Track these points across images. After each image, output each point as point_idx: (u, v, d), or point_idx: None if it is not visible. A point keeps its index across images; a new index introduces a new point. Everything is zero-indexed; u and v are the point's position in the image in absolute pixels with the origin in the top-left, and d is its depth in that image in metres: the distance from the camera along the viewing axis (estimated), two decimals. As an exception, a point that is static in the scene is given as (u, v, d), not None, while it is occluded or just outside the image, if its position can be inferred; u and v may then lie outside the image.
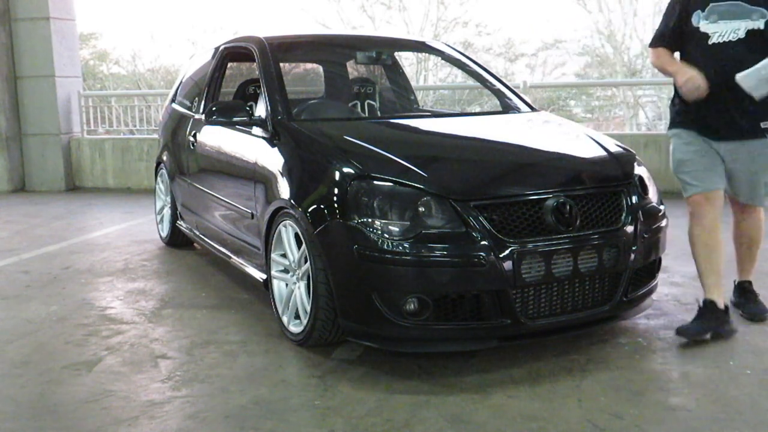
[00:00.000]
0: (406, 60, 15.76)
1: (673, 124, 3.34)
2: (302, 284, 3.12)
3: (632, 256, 2.97)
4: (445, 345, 2.87)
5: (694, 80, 3.07)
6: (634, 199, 3.09)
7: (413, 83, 7.26)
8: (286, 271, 3.26)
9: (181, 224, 4.92)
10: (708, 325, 3.13)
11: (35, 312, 3.77)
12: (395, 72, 5.14)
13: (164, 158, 5.14)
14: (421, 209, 2.76)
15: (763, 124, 3.14)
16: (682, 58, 3.27)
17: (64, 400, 2.69)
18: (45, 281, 4.40)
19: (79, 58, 9.57)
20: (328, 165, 3.03)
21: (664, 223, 3.27)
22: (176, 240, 5.13)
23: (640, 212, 3.07)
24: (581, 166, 3.24)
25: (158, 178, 5.37)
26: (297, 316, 3.15)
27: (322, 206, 2.91)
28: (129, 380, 2.85)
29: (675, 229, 3.65)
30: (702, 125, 3.20)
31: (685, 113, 3.26)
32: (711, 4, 3.11)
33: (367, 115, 4.29)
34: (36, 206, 7.44)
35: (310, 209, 2.96)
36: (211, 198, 4.18)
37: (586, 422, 2.43)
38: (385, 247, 2.71)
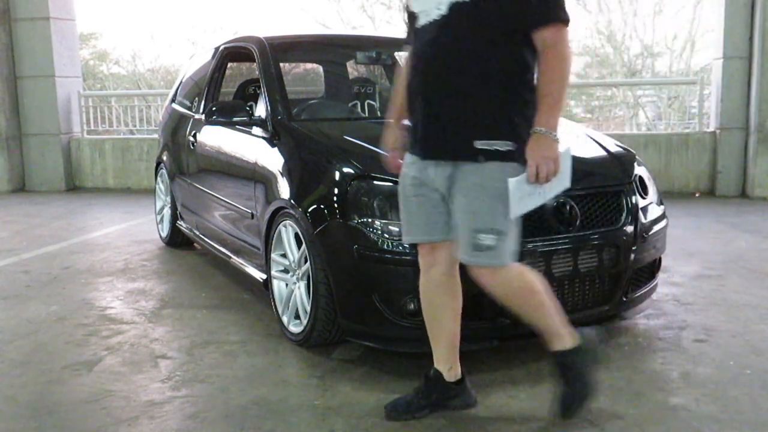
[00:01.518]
0: (406, 60, 15.70)
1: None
2: (302, 284, 3.11)
3: (632, 256, 2.97)
4: (445, 345, 2.86)
5: (386, 164, 2.48)
6: (634, 199, 3.08)
7: (413, 83, 7.25)
8: (286, 271, 3.25)
9: (181, 224, 4.91)
10: (427, 401, 2.47)
11: (35, 312, 3.77)
12: (395, 72, 5.14)
13: (164, 158, 5.14)
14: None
15: (478, 144, 2.15)
16: None
17: (64, 400, 2.68)
18: (45, 281, 4.40)
19: (79, 58, 9.56)
20: (328, 165, 3.03)
21: (664, 223, 3.27)
22: (176, 240, 5.13)
23: (640, 212, 3.07)
24: (581, 166, 3.22)
25: (158, 178, 5.37)
26: (297, 316, 3.15)
27: (322, 206, 2.91)
28: (129, 380, 2.84)
29: (675, 229, 3.65)
30: (411, 140, 2.33)
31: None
32: None
33: (367, 115, 4.28)
34: (36, 206, 7.44)
35: (310, 209, 2.96)
36: (211, 198, 4.18)
37: (586, 422, 2.42)
38: (385, 247, 2.71)
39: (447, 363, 2.47)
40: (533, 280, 2.31)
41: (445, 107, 2.18)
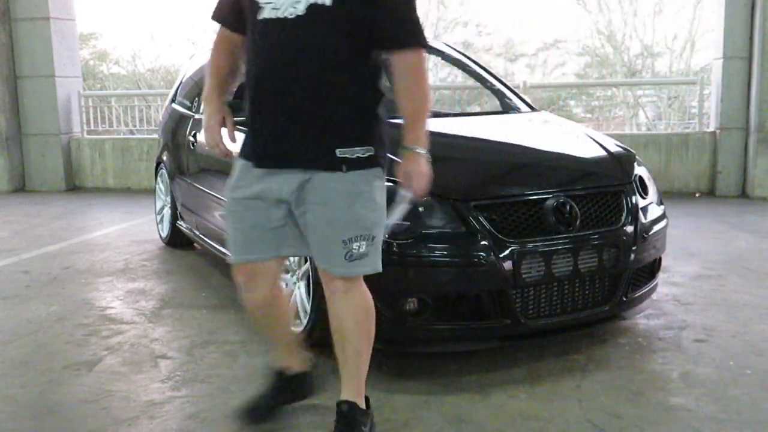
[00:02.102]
0: (406, 60, 15.70)
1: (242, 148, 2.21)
2: (302, 284, 3.12)
3: (632, 256, 2.97)
4: (445, 345, 2.86)
5: (211, 134, 2.19)
6: (634, 199, 3.08)
7: (413, 83, 7.25)
8: (286, 271, 3.25)
9: (181, 224, 4.91)
10: (281, 399, 2.45)
11: (35, 312, 3.77)
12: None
13: (164, 158, 5.14)
14: (421, 209, 2.76)
15: (340, 152, 2.06)
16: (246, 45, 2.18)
17: (64, 400, 2.68)
18: (45, 281, 4.40)
19: (79, 58, 9.56)
20: (328, 165, 3.03)
21: (664, 223, 3.27)
22: (176, 240, 5.13)
23: (640, 212, 3.07)
24: (581, 166, 3.24)
25: (158, 178, 5.37)
26: (297, 316, 3.15)
27: (322, 206, 2.91)
28: (129, 380, 2.84)
29: (675, 229, 3.65)
30: (252, 147, 2.15)
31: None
32: None
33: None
34: (36, 206, 7.44)
35: (310, 209, 2.95)
36: (211, 198, 4.18)
37: (586, 422, 2.43)
38: (385, 247, 2.70)
39: (288, 358, 2.46)
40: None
41: (303, 115, 2.04)
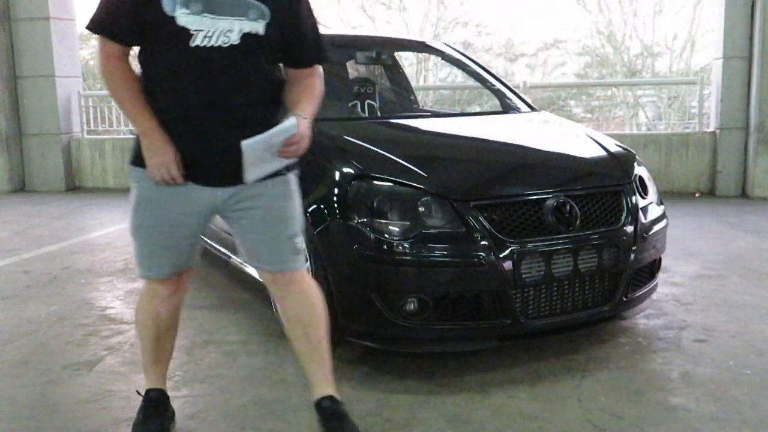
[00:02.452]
0: (406, 60, 15.76)
1: (138, 159, 2.22)
2: (302, 284, 3.11)
3: (632, 256, 2.97)
4: (445, 345, 2.86)
5: (168, 167, 2.10)
6: (634, 199, 3.08)
7: (413, 83, 7.26)
8: (286, 271, 3.25)
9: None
10: (155, 426, 2.36)
11: (35, 312, 3.77)
12: (395, 72, 5.14)
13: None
14: (421, 209, 2.76)
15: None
16: (146, 59, 2.14)
17: (64, 400, 2.68)
18: (45, 281, 4.40)
19: (79, 58, 9.56)
20: (328, 165, 3.03)
21: (664, 223, 3.27)
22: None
23: (640, 212, 3.07)
24: (581, 166, 3.24)
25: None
26: (297, 316, 3.15)
27: (322, 206, 2.91)
28: (129, 380, 2.84)
29: (675, 229, 3.65)
30: (190, 167, 2.14)
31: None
32: None
33: (367, 115, 4.28)
34: (36, 206, 7.44)
35: (310, 209, 2.96)
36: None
37: (586, 422, 2.43)
38: (385, 247, 2.71)
39: (164, 377, 2.47)
40: None
41: (245, 133, 2.05)
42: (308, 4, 2.26)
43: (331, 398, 2.31)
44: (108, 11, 2.07)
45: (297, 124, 2.07)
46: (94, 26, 2.08)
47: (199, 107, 2.08)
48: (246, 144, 2.02)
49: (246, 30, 2.06)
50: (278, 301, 2.39)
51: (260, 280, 3.48)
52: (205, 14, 2.03)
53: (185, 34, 2.02)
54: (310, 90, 2.26)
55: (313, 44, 2.27)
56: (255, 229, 2.22)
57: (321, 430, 2.31)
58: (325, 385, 2.32)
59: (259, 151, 2.04)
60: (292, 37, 2.19)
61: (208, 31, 2.03)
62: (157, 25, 2.03)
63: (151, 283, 2.31)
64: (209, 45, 2.04)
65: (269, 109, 2.19)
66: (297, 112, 2.15)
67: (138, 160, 2.20)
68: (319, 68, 2.33)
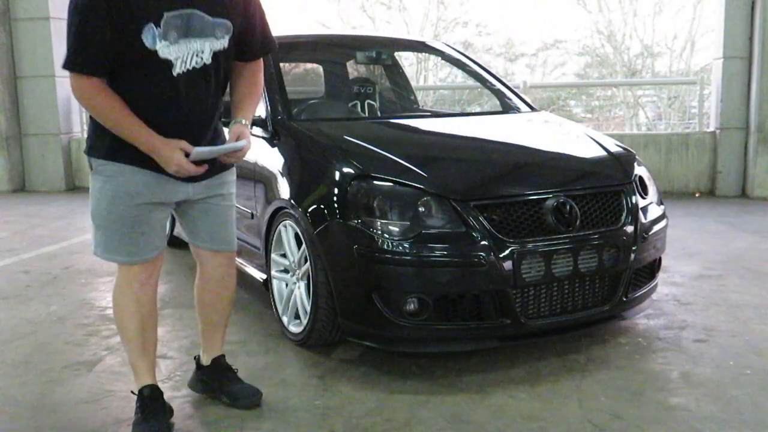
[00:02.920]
0: (406, 60, 15.77)
1: (111, 154, 2.24)
2: (302, 284, 3.12)
3: (632, 256, 2.97)
4: (445, 345, 2.86)
5: (186, 169, 2.21)
6: (634, 199, 3.08)
7: (413, 83, 7.27)
8: (286, 271, 3.26)
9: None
10: (157, 424, 2.37)
11: (35, 312, 3.77)
12: (395, 72, 5.14)
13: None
14: (421, 209, 2.76)
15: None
16: (121, 84, 2.15)
17: (64, 400, 2.68)
18: (45, 281, 4.40)
19: (79, 58, 9.56)
20: (328, 165, 3.03)
21: (664, 223, 3.27)
22: (176, 240, 5.12)
23: (640, 212, 3.07)
24: (581, 166, 3.24)
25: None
26: (297, 316, 3.15)
27: (322, 206, 2.91)
28: (129, 380, 2.84)
29: (675, 229, 3.65)
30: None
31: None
32: (165, 15, 2.09)
33: (367, 115, 4.29)
34: (36, 206, 7.44)
35: (310, 209, 2.96)
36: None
37: (586, 422, 2.43)
38: (385, 247, 2.71)
39: (153, 371, 2.47)
40: None
41: (211, 139, 2.36)
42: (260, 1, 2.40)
43: (224, 357, 2.67)
44: (83, 49, 2.06)
45: (245, 142, 2.29)
46: (72, 65, 2.08)
47: (173, 123, 2.22)
48: (196, 151, 2.20)
49: (216, 48, 2.23)
50: (210, 277, 2.56)
51: (259, 279, 3.50)
52: (180, 40, 2.14)
53: (167, 64, 2.15)
54: (254, 89, 2.44)
55: (262, 37, 2.41)
56: (213, 213, 2.46)
57: (217, 381, 2.62)
58: (220, 347, 2.67)
59: (205, 155, 2.25)
60: (245, 35, 2.34)
61: (185, 56, 2.17)
62: (138, 59, 2.11)
63: (130, 270, 2.35)
64: (186, 69, 2.18)
65: (218, 108, 2.39)
66: (240, 118, 2.36)
67: (113, 155, 2.25)
68: (261, 60, 2.48)
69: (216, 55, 2.24)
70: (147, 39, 2.08)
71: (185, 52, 2.16)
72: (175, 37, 2.12)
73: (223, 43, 2.23)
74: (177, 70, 2.16)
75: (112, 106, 2.14)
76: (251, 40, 2.38)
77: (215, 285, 2.57)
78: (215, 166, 2.37)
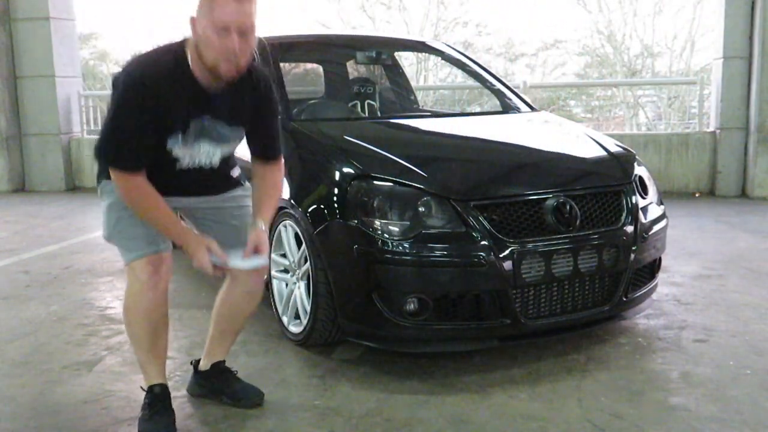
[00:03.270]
0: (406, 60, 15.76)
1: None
2: (302, 284, 3.12)
3: (632, 256, 2.97)
4: (445, 345, 2.86)
5: (203, 267, 2.30)
6: (634, 199, 3.08)
7: (413, 83, 7.27)
8: (286, 271, 3.25)
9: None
10: (163, 421, 2.40)
11: (35, 312, 3.77)
12: (395, 72, 5.14)
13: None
14: (421, 209, 2.76)
15: (234, 173, 2.57)
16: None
17: (64, 400, 2.68)
18: (45, 281, 4.40)
19: (79, 58, 9.57)
20: (328, 165, 3.03)
21: (664, 223, 3.27)
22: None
23: (640, 212, 3.07)
24: (581, 166, 3.24)
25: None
26: (297, 316, 3.15)
27: (322, 206, 2.91)
28: (129, 380, 2.84)
29: (675, 229, 3.65)
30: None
31: None
32: (192, 124, 2.23)
33: (367, 115, 4.29)
34: (36, 206, 7.44)
35: (310, 209, 2.96)
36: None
37: (586, 422, 2.43)
38: (385, 247, 2.71)
39: (164, 373, 2.47)
40: None
41: (224, 187, 2.53)
42: (277, 103, 2.46)
43: (224, 361, 2.68)
44: (123, 148, 2.18)
45: (264, 261, 2.32)
46: (116, 164, 2.21)
47: (176, 190, 2.38)
48: (215, 261, 2.28)
49: (225, 152, 2.39)
50: (239, 291, 2.54)
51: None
52: (194, 143, 2.27)
53: (174, 158, 2.28)
54: (273, 191, 2.46)
55: (276, 140, 2.47)
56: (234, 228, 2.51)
57: (217, 383, 2.62)
58: (224, 353, 2.68)
59: (225, 265, 2.31)
60: (263, 135, 2.43)
61: (194, 156, 2.31)
62: (153, 154, 2.23)
63: (143, 267, 2.31)
64: (193, 166, 2.33)
65: (228, 165, 2.50)
66: (259, 222, 2.34)
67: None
68: (282, 162, 2.51)
69: (225, 157, 2.41)
70: (171, 142, 2.23)
71: (196, 153, 2.31)
72: (191, 140, 2.26)
73: (233, 147, 2.42)
74: (182, 165, 2.31)
75: (149, 203, 2.23)
76: (272, 141, 2.45)
77: (241, 299, 2.56)
78: (225, 184, 2.49)
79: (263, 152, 2.45)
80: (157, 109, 2.14)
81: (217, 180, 2.47)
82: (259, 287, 2.56)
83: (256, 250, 2.30)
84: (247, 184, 2.55)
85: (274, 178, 2.47)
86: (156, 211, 2.24)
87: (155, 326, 2.37)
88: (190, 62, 2.19)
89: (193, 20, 2.15)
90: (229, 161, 2.50)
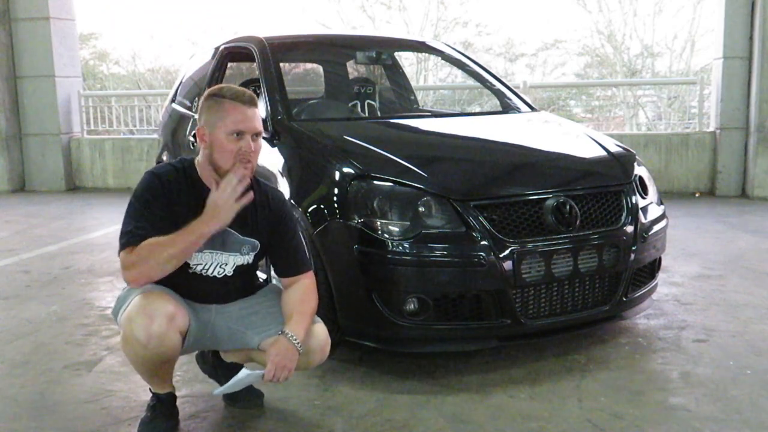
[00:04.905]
0: (406, 60, 15.76)
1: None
2: (302, 284, 3.11)
3: (632, 256, 2.97)
4: (445, 345, 2.87)
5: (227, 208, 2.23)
6: (634, 199, 3.08)
7: (413, 83, 7.26)
8: (286, 271, 3.25)
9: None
10: (164, 426, 2.38)
11: (35, 312, 3.77)
12: (395, 72, 5.14)
13: (164, 158, 5.13)
14: (421, 209, 2.76)
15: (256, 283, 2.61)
16: None
17: (64, 400, 2.68)
18: (45, 281, 4.40)
19: (79, 58, 9.57)
20: (328, 165, 3.03)
21: (664, 223, 3.27)
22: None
23: (640, 212, 3.07)
24: (581, 166, 3.24)
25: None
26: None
27: (322, 206, 2.91)
28: (129, 380, 2.84)
29: (675, 229, 3.65)
30: None
31: None
32: None
33: (367, 115, 4.28)
34: (36, 206, 7.44)
35: (310, 209, 2.96)
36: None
37: (586, 422, 2.43)
38: (385, 247, 2.71)
39: (172, 383, 2.43)
40: None
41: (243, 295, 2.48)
42: (293, 217, 2.50)
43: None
44: (134, 233, 2.24)
45: (260, 375, 2.23)
46: (126, 244, 2.23)
47: (192, 297, 2.36)
48: (245, 372, 2.28)
49: (239, 263, 2.38)
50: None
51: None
52: (206, 251, 2.31)
53: (186, 264, 2.29)
54: (302, 307, 2.37)
55: (301, 253, 2.47)
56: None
57: (223, 377, 2.50)
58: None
59: (247, 379, 2.30)
60: (283, 253, 2.44)
61: (206, 264, 2.34)
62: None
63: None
64: (205, 274, 2.35)
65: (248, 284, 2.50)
66: (285, 331, 2.28)
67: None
68: (312, 275, 2.47)
69: (239, 268, 2.39)
70: None
71: (209, 261, 2.34)
72: (202, 248, 2.27)
73: (247, 259, 2.39)
74: (194, 270, 2.33)
75: (156, 242, 2.19)
76: (294, 255, 2.44)
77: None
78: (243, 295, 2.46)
79: (286, 270, 2.45)
80: (168, 206, 2.25)
81: (234, 291, 2.43)
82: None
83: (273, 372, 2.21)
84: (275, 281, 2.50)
85: (302, 293, 2.40)
86: (166, 241, 2.18)
87: (167, 357, 2.28)
88: (198, 170, 2.31)
89: (200, 131, 2.27)
90: (245, 276, 2.45)
